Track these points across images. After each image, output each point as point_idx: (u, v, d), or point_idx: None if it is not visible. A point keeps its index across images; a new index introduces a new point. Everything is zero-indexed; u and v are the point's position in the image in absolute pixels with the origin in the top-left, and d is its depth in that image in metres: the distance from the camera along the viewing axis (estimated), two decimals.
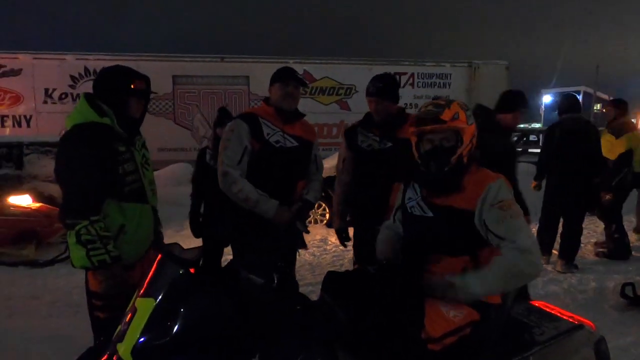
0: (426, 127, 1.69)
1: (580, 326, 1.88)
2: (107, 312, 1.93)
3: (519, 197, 2.85)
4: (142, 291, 1.38)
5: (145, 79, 2.05)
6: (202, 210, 3.66)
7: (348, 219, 2.85)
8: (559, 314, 1.97)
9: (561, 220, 4.78)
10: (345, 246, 2.77)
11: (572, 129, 4.52)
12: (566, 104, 4.73)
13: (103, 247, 1.83)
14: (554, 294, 3.88)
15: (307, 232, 2.51)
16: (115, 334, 1.37)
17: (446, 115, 1.67)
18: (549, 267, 4.67)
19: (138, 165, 2.04)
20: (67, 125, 1.94)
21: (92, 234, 1.81)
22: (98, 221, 1.83)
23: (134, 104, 1.99)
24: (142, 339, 1.28)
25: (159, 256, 1.44)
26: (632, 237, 5.48)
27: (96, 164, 1.85)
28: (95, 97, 1.96)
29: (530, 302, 2.16)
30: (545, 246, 4.75)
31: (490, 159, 2.77)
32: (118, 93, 1.95)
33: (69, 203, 1.87)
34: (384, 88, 2.55)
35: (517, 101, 3.17)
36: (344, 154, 2.74)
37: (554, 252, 4.79)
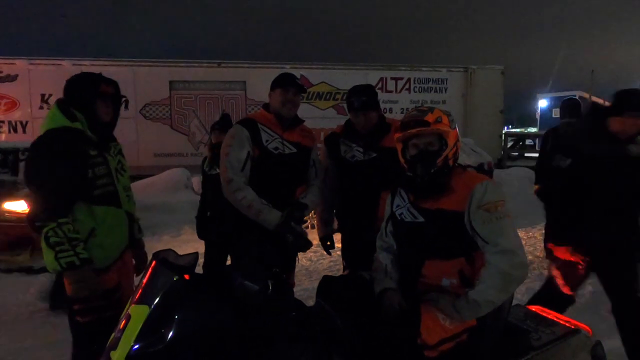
0: (412, 130, 1.72)
1: (577, 331, 1.88)
2: (84, 316, 1.91)
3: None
4: (136, 298, 1.37)
5: (114, 84, 2.09)
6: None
7: (335, 227, 2.82)
8: (555, 319, 1.97)
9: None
10: (329, 254, 2.72)
11: (565, 132, 4.59)
12: (564, 108, 4.81)
13: (71, 249, 1.82)
14: None
15: (302, 236, 2.35)
16: (109, 341, 1.36)
17: (430, 118, 1.71)
18: (545, 272, 4.67)
19: (111, 170, 2.06)
20: (41, 131, 1.97)
21: (59, 236, 1.81)
22: (66, 223, 1.83)
23: (101, 107, 2.02)
24: (136, 347, 1.27)
25: (153, 262, 1.43)
26: None
27: (64, 167, 1.86)
28: (67, 103, 2.00)
29: (527, 306, 2.16)
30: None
31: (578, 164, 2.49)
32: (84, 96, 1.99)
33: (37, 206, 1.88)
34: (368, 101, 2.54)
35: (624, 102, 2.54)
36: (326, 162, 2.71)
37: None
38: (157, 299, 1.31)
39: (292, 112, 2.45)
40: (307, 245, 2.37)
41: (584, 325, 1.94)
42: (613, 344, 2.93)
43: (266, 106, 2.50)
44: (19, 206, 5.62)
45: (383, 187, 2.40)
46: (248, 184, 2.34)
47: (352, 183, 2.57)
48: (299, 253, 2.66)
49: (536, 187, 5.01)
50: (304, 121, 2.57)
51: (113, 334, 1.37)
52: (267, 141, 2.38)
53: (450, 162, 1.75)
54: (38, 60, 10.26)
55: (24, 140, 9.03)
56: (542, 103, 22.97)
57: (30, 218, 1.90)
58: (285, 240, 2.32)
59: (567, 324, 1.92)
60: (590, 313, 3.53)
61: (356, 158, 2.54)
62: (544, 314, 2.02)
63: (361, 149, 2.53)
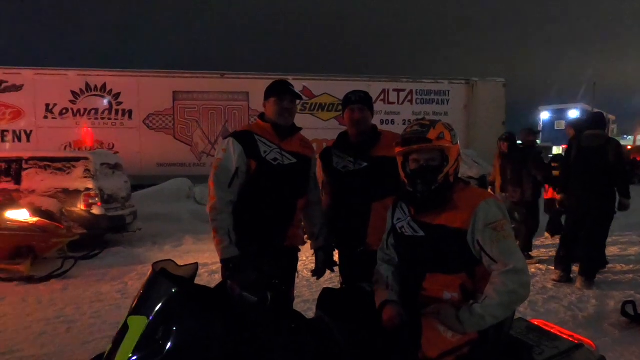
0: (413, 147, 1.70)
1: (580, 345, 1.86)
2: None
3: None
4: (133, 308, 1.36)
5: None
6: None
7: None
8: (558, 333, 1.94)
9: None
10: (332, 271, 2.69)
11: (590, 145, 4.59)
12: (590, 120, 4.97)
13: None
14: (553, 312, 3.84)
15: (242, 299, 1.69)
16: (107, 353, 1.35)
17: (432, 134, 1.69)
18: (549, 285, 4.63)
19: None
20: None
21: None
22: None
23: None
24: (134, 358, 1.25)
25: (152, 273, 1.42)
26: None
27: None
28: None
29: (530, 320, 2.13)
30: (564, 262, 4.72)
31: None
32: None
33: None
34: (366, 97, 2.54)
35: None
36: (322, 177, 2.66)
37: (574, 268, 4.74)
38: (156, 310, 1.30)
39: (289, 120, 2.38)
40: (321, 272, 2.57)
41: (587, 340, 1.92)
42: (617, 359, 2.89)
43: (262, 116, 2.43)
44: (20, 215, 5.63)
45: (374, 197, 2.38)
46: (235, 200, 2.25)
47: (343, 193, 2.53)
48: (299, 264, 2.65)
49: (559, 196, 4.95)
50: (301, 129, 2.50)
51: (110, 345, 1.36)
52: (265, 152, 2.29)
53: (451, 179, 1.73)
54: (44, 70, 10.39)
55: (28, 149, 9.11)
56: (544, 115, 23.07)
57: None
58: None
59: (570, 339, 1.90)
60: (593, 327, 3.49)
61: (347, 168, 2.50)
62: (547, 328, 1.99)
63: (352, 159, 2.48)
